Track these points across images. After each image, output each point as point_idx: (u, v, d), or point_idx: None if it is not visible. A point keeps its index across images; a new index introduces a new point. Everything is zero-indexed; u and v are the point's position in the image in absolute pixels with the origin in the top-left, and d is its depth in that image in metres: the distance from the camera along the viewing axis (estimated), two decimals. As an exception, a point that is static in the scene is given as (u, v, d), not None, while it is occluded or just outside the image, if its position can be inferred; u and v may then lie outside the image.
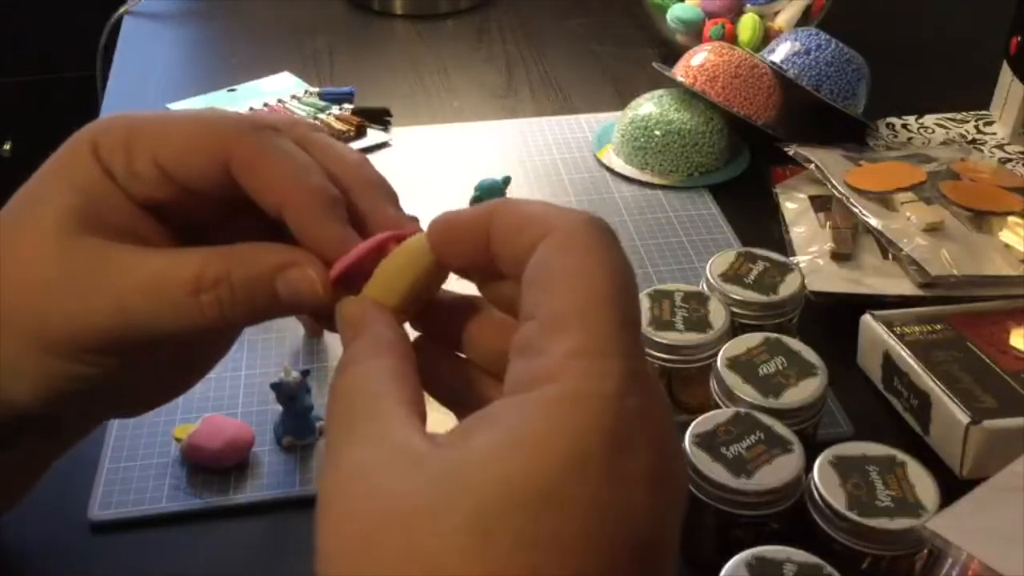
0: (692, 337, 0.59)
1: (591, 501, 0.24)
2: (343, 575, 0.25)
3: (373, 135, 0.92)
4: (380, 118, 0.94)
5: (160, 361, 0.39)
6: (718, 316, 0.61)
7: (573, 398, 0.25)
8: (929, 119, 0.97)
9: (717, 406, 0.56)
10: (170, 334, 0.35)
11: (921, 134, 0.94)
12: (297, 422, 0.60)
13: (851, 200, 0.76)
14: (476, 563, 0.24)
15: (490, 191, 0.79)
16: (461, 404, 0.34)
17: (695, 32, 1.02)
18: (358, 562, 0.25)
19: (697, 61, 0.89)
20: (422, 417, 0.28)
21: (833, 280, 0.72)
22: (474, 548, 0.24)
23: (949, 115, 0.97)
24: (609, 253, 0.28)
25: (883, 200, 0.76)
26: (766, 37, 1.00)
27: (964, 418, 0.57)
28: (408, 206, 0.68)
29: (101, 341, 0.35)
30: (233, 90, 0.98)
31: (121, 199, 0.36)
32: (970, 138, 0.93)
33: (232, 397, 0.64)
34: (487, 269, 0.32)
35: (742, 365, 0.57)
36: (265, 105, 0.94)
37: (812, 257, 0.74)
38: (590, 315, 0.27)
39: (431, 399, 0.33)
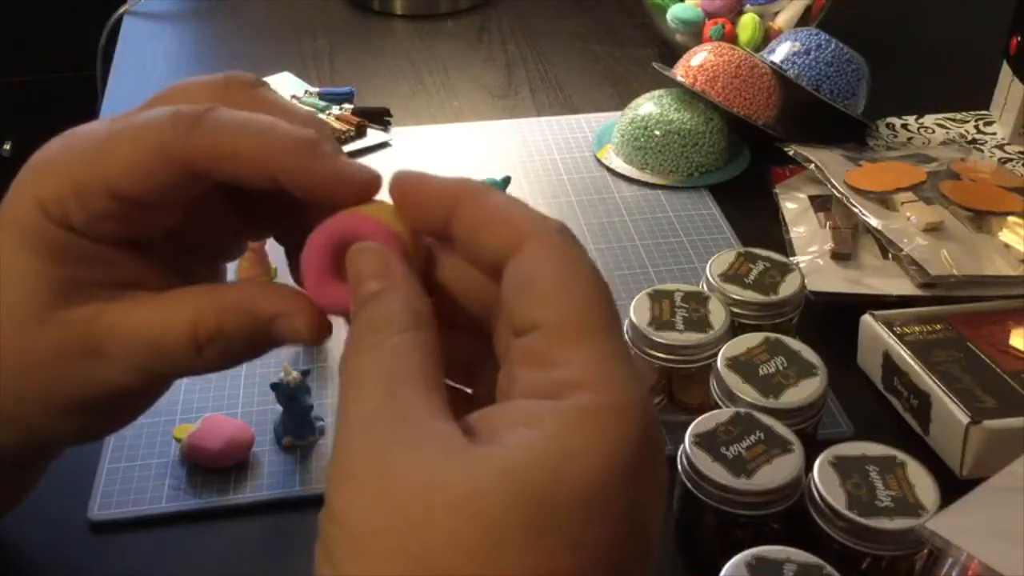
0: (692, 337, 0.59)
1: (629, 505, 0.26)
2: (376, 551, 0.25)
3: (373, 135, 0.92)
4: (380, 118, 0.94)
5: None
6: (718, 316, 0.61)
7: (611, 408, 0.27)
8: (929, 119, 0.97)
9: (717, 406, 0.56)
10: (181, 376, 0.36)
11: (921, 134, 0.94)
12: (297, 422, 0.60)
13: (851, 200, 0.76)
14: (528, 559, 0.24)
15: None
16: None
17: (695, 32, 1.02)
18: (396, 543, 0.25)
19: (697, 61, 0.89)
20: (448, 401, 0.28)
21: (833, 280, 0.72)
22: (528, 545, 0.24)
23: (949, 115, 0.97)
24: (588, 261, 0.30)
25: (883, 200, 0.76)
26: (766, 37, 1.00)
27: (964, 418, 0.57)
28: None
29: (115, 398, 0.35)
30: (233, 90, 0.98)
31: (88, 247, 0.34)
32: (970, 138, 0.93)
33: (232, 397, 0.64)
34: (435, 235, 0.32)
35: (742, 365, 0.57)
36: (265, 105, 0.94)
37: (812, 257, 0.74)
38: (595, 323, 0.28)
39: None
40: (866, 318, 0.66)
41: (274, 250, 0.57)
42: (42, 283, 0.33)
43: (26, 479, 0.43)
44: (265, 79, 1.07)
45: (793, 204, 0.81)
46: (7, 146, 1.71)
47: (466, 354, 0.33)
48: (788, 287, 0.63)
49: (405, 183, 0.33)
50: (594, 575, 0.25)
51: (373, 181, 0.34)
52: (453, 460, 0.26)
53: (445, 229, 0.32)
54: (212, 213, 0.37)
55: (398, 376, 0.28)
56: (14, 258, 0.33)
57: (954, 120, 0.96)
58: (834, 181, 0.78)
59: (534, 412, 0.27)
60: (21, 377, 0.34)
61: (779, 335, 0.59)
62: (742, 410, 0.54)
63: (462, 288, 0.33)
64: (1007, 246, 0.71)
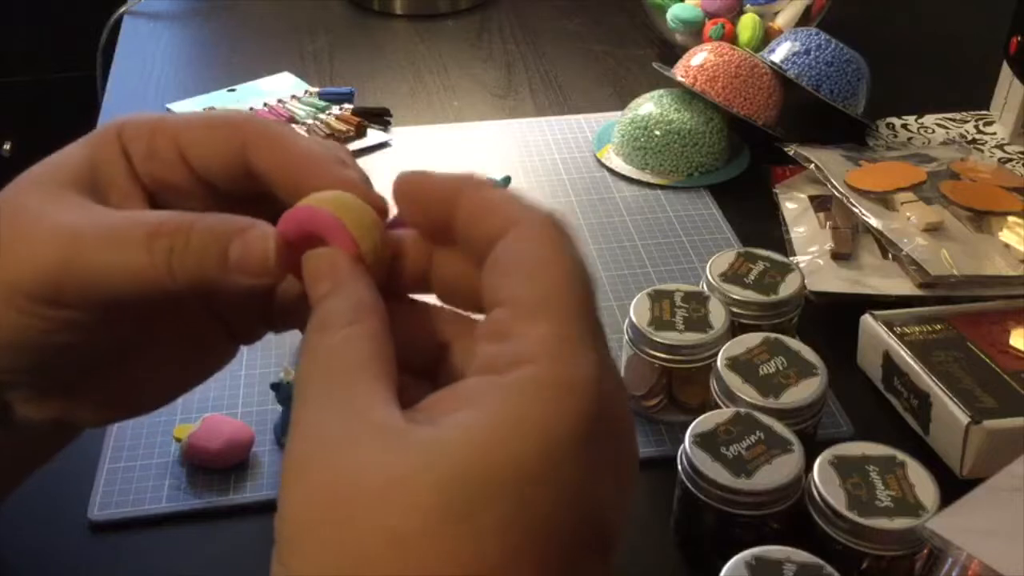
0: (692, 337, 0.59)
1: (569, 486, 0.25)
2: (311, 543, 0.25)
3: (373, 135, 0.92)
4: (380, 118, 0.94)
5: (154, 356, 0.38)
6: (718, 316, 0.61)
7: (553, 383, 0.26)
8: (929, 119, 0.96)
9: (717, 406, 0.56)
10: (117, 287, 0.33)
11: (921, 134, 0.94)
12: (297, 422, 0.60)
13: (851, 200, 0.76)
14: (454, 543, 0.24)
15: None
16: (422, 361, 0.33)
17: (695, 32, 1.02)
18: (329, 533, 0.25)
19: (697, 61, 0.89)
20: (396, 387, 0.28)
21: (833, 280, 0.72)
22: (454, 529, 0.24)
23: (949, 115, 0.97)
24: (572, 248, 0.30)
25: (883, 200, 0.76)
26: (766, 37, 1.00)
27: (964, 418, 0.57)
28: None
29: (44, 286, 0.33)
30: (233, 90, 0.98)
31: (128, 181, 0.36)
32: (970, 138, 0.93)
33: (232, 397, 0.64)
34: (439, 233, 0.33)
35: (742, 365, 0.57)
36: (265, 105, 0.94)
37: (812, 257, 0.74)
38: (561, 303, 0.28)
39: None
40: (866, 318, 0.66)
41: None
42: (77, 170, 0.36)
43: (20, 469, 0.42)
44: (265, 79, 1.07)
45: (793, 204, 0.81)
46: (7, 146, 1.71)
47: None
48: (788, 287, 0.63)
49: (408, 179, 0.33)
50: (531, 561, 0.24)
51: (331, 159, 0.35)
52: (386, 448, 0.25)
53: (448, 224, 0.32)
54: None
55: (338, 372, 0.28)
56: (72, 149, 0.36)
57: (954, 120, 0.96)
58: (834, 181, 0.78)
59: (476, 389, 0.27)
60: None
61: (779, 335, 0.59)
62: (742, 410, 0.54)
63: (459, 284, 0.33)
64: (1007, 246, 0.71)
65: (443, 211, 0.32)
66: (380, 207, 0.34)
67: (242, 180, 0.36)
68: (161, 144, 0.36)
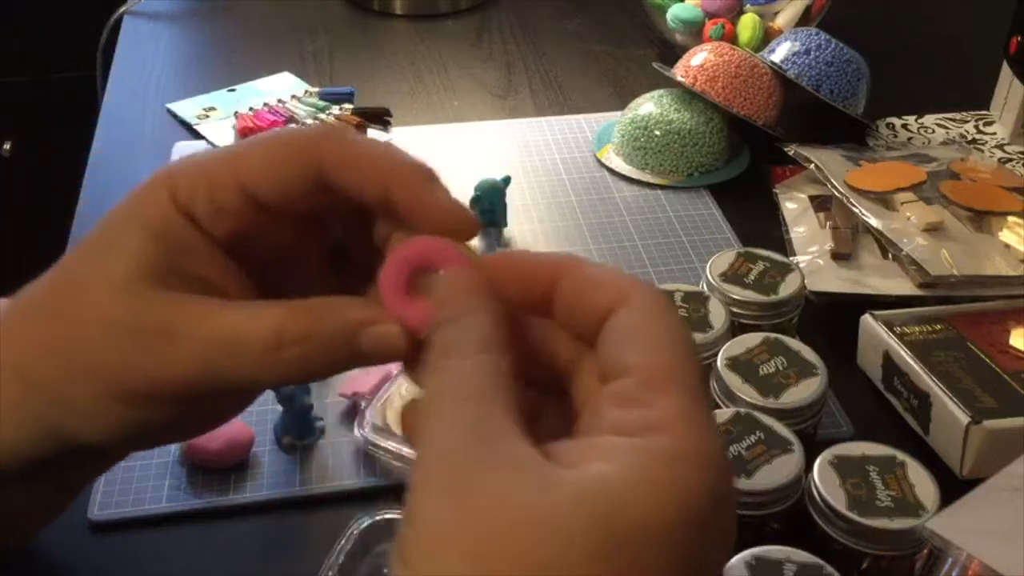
0: (692, 337, 0.59)
1: (692, 547, 0.27)
2: (453, 555, 0.26)
3: (373, 135, 0.92)
4: (380, 118, 0.94)
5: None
6: (718, 316, 0.61)
7: (688, 453, 0.28)
8: (929, 119, 0.97)
9: (717, 406, 0.56)
10: (249, 386, 0.36)
11: (921, 134, 0.94)
12: (297, 422, 0.60)
13: (851, 200, 0.76)
14: None
15: (490, 191, 0.79)
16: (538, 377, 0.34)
17: (695, 32, 1.02)
18: (472, 548, 0.26)
19: (697, 61, 0.89)
20: (524, 418, 0.30)
21: (833, 280, 0.72)
22: (595, 567, 0.26)
23: (949, 115, 0.97)
24: (680, 322, 0.32)
25: (883, 200, 0.76)
26: (766, 37, 1.00)
27: (964, 418, 0.57)
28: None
29: (180, 393, 0.35)
30: (233, 90, 0.98)
31: (199, 243, 0.36)
32: (970, 138, 0.93)
33: (232, 397, 0.64)
34: (535, 308, 0.34)
35: (742, 365, 0.57)
36: (265, 105, 0.94)
37: (812, 257, 0.74)
38: (686, 376, 0.30)
39: None
40: (866, 318, 0.66)
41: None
42: (146, 258, 0.35)
43: (75, 481, 0.45)
44: (265, 79, 1.07)
45: (793, 204, 0.81)
46: (7, 146, 1.71)
47: (527, 408, 0.33)
48: (788, 287, 0.63)
49: (508, 258, 0.35)
50: None
51: (473, 222, 0.35)
52: (532, 480, 0.27)
53: (545, 300, 0.33)
54: (309, 257, 0.39)
55: (471, 395, 0.29)
56: (129, 231, 0.35)
57: (954, 120, 0.96)
58: (834, 181, 0.78)
59: (612, 447, 0.28)
60: (99, 348, 0.35)
61: (779, 335, 0.59)
62: (742, 410, 0.54)
63: (541, 349, 0.34)
64: (1007, 246, 0.71)
65: (544, 286, 0.33)
66: (473, 228, 0.35)
67: (311, 198, 0.36)
68: (224, 193, 0.35)
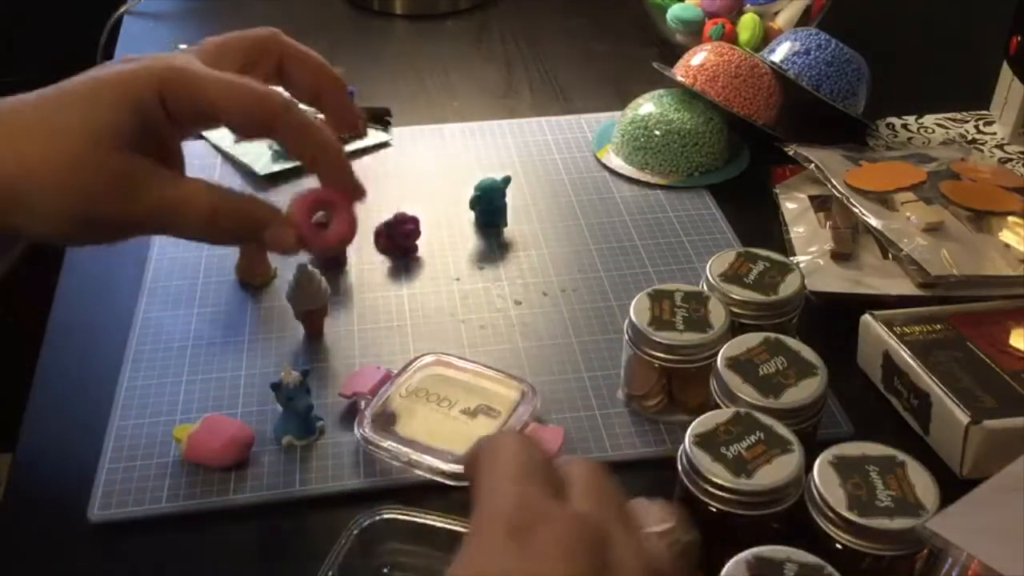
0: (692, 337, 0.59)
1: None
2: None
3: (373, 135, 0.92)
4: (380, 118, 0.94)
5: None
6: (718, 316, 0.61)
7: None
8: (929, 119, 0.97)
9: (717, 406, 0.56)
10: (179, 237, 0.50)
11: (921, 134, 0.94)
12: (297, 422, 0.60)
13: (851, 200, 0.76)
14: None
15: (490, 191, 0.79)
16: None
17: (695, 32, 1.02)
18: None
19: (697, 61, 0.89)
20: None
21: (833, 280, 0.72)
22: None
23: (949, 115, 0.97)
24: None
25: (883, 200, 0.76)
26: (766, 37, 1.00)
27: (964, 418, 0.57)
28: (408, 205, 0.68)
29: (123, 231, 0.49)
30: (233, 90, 0.98)
31: (165, 131, 0.48)
32: (970, 138, 0.93)
33: (232, 397, 0.64)
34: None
35: (742, 365, 0.57)
36: (265, 105, 0.94)
37: (812, 257, 0.74)
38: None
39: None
40: (866, 318, 0.66)
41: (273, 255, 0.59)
42: (125, 125, 0.46)
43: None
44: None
45: (793, 204, 0.81)
46: (7, 146, 1.71)
47: None
48: (788, 287, 0.63)
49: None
50: None
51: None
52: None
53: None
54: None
55: None
56: (117, 98, 0.46)
57: (954, 120, 0.96)
58: (834, 181, 0.78)
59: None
60: (70, 175, 0.45)
61: (779, 335, 0.59)
62: (742, 410, 0.54)
63: None
64: (1007, 246, 0.71)
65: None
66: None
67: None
68: (199, 115, 0.48)
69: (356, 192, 0.53)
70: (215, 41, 0.57)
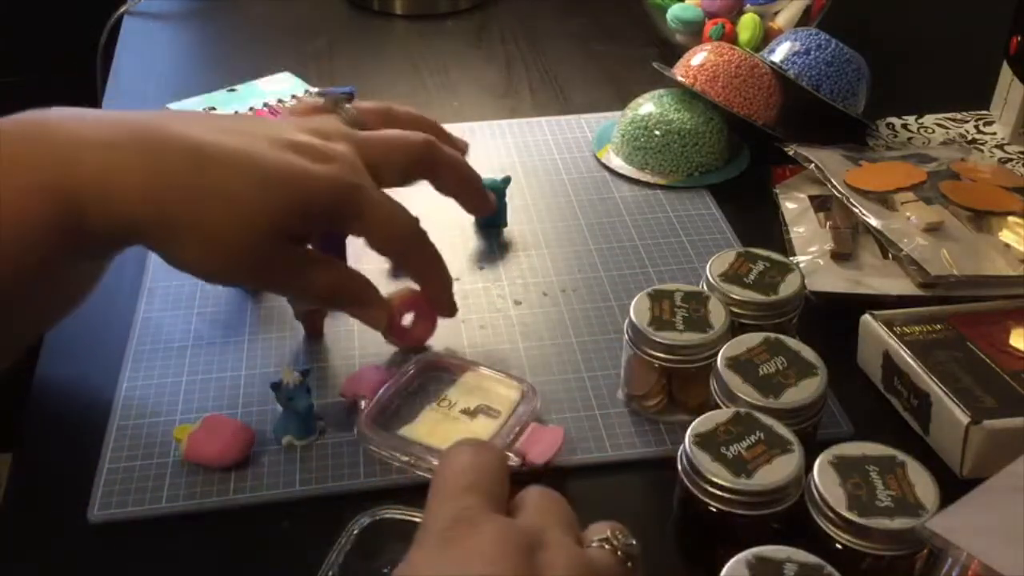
0: (692, 337, 0.59)
1: None
2: None
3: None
4: (380, 118, 0.94)
5: None
6: (718, 316, 0.61)
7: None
8: (929, 119, 0.97)
9: (717, 406, 0.56)
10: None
11: (921, 134, 0.94)
12: (297, 422, 0.60)
13: (851, 200, 0.76)
14: None
15: (490, 191, 0.79)
16: None
17: (695, 32, 1.02)
18: None
19: (697, 61, 0.89)
20: None
21: (833, 280, 0.72)
22: None
23: (949, 115, 0.97)
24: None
25: (883, 200, 0.76)
26: (766, 37, 1.00)
27: (964, 418, 0.57)
28: (408, 205, 0.68)
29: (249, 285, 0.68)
30: (233, 90, 0.98)
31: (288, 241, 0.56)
32: (970, 138, 0.93)
33: (232, 397, 0.64)
34: None
35: (742, 365, 0.57)
36: (265, 105, 0.94)
37: (812, 257, 0.74)
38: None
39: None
40: (866, 318, 0.66)
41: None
42: (298, 230, 0.56)
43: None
44: (265, 79, 1.07)
45: (793, 204, 0.81)
46: (7, 146, 1.70)
47: None
48: (788, 287, 0.63)
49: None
50: None
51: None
52: None
53: None
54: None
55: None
56: (245, 225, 0.53)
57: (954, 120, 0.96)
58: (834, 181, 0.78)
59: None
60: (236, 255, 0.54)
61: (779, 335, 0.59)
62: (742, 410, 0.54)
63: None
64: (1007, 246, 0.71)
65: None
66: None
67: None
68: (354, 230, 0.59)
69: (450, 311, 0.64)
70: (380, 141, 0.61)
